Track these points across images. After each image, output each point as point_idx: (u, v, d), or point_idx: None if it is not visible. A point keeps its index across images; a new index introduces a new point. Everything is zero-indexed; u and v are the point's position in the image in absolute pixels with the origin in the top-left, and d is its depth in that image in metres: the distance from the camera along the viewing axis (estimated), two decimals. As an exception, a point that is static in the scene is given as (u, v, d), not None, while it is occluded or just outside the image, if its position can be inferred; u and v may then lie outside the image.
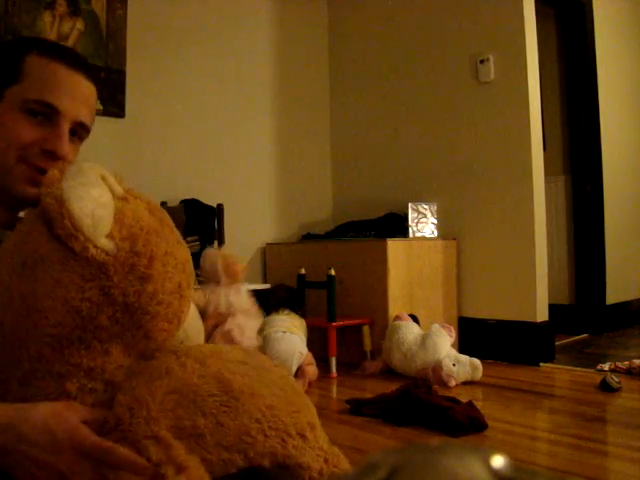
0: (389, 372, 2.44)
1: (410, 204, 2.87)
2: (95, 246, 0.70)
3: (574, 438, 1.59)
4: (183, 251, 0.80)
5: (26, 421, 0.64)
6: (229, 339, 0.95)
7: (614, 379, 2.07)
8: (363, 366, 2.51)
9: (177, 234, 0.82)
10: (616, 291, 3.47)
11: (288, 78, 3.35)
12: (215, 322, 0.97)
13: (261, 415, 0.70)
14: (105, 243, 0.70)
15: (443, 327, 2.40)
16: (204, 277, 1.02)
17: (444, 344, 2.34)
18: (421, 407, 1.74)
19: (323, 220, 3.44)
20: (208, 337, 0.94)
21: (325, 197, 3.51)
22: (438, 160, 3.01)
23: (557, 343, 2.81)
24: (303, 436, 0.73)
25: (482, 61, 2.81)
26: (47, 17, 2.35)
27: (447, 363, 2.22)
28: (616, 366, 2.34)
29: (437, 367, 2.24)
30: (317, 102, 3.51)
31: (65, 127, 0.85)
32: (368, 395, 1.96)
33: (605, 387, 2.06)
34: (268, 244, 3.17)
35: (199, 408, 0.69)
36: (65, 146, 0.85)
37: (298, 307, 2.54)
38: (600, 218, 3.40)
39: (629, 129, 3.82)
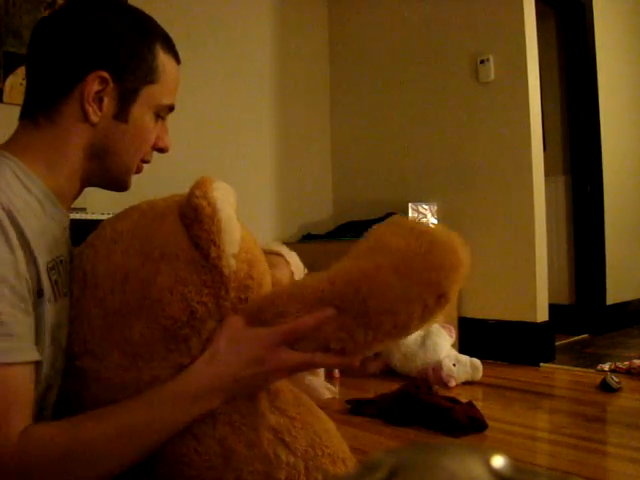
0: (389, 372, 2.44)
1: (410, 204, 2.87)
2: (226, 259, 0.75)
3: (574, 438, 1.59)
4: (270, 282, 0.86)
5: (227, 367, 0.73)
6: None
7: (614, 379, 2.07)
8: (364, 366, 2.51)
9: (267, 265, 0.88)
10: (616, 291, 3.47)
11: (288, 78, 3.35)
12: None
13: (321, 432, 0.78)
14: (232, 261, 0.75)
15: (443, 327, 2.40)
16: None
17: (444, 344, 2.34)
18: (421, 407, 1.74)
19: (323, 220, 3.44)
20: None
21: (325, 197, 3.51)
22: (438, 160, 3.01)
23: (557, 343, 2.81)
24: (345, 462, 0.78)
25: (482, 61, 2.80)
26: (47, 17, 2.35)
27: (447, 363, 2.22)
28: (616, 366, 2.34)
29: (437, 367, 2.23)
30: (317, 102, 3.51)
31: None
32: (369, 395, 1.96)
33: (605, 387, 2.06)
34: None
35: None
36: (169, 140, 0.91)
37: None
38: (600, 218, 3.40)
39: (629, 129, 3.82)
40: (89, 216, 1.95)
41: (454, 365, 2.23)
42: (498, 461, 0.28)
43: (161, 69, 0.83)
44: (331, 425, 0.84)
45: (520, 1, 2.67)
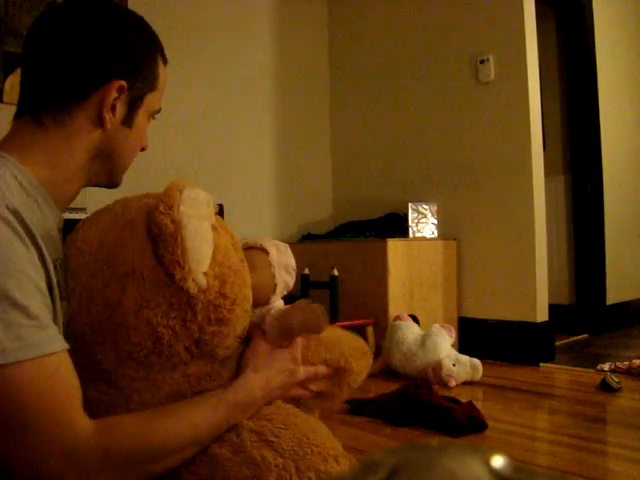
0: (389, 372, 2.44)
1: (410, 204, 2.87)
2: (193, 279, 0.70)
3: (574, 438, 1.59)
4: (250, 294, 0.82)
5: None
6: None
7: (614, 379, 2.07)
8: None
9: (247, 272, 0.83)
10: (616, 291, 3.47)
11: (288, 78, 3.35)
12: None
13: (308, 432, 0.78)
14: (201, 280, 0.71)
15: (443, 327, 2.40)
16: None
17: (444, 344, 2.34)
18: (421, 407, 1.74)
19: (323, 220, 3.44)
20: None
21: (325, 197, 3.51)
22: (438, 160, 3.01)
23: (557, 343, 2.81)
24: (337, 460, 0.78)
25: (482, 61, 2.80)
26: (47, 17, 2.35)
27: (447, 363, 2.22)
28: (616, 366, 2.34)
29: (437, 367, 2.23)
30: (317, 101, 3.51)
31: None
32: (369, 395, 1.96)
33: (605, 387, 2.06)
34: (268, 244, 3.16)
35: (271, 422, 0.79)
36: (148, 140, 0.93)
37: None
38: (600, 218, 3.40)
39: (629, 129, 3.82)
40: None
41: (454, 365, 2.23)
42: (498, 461, 0.28)
43: (161, 76, 0.88)
44: (319, 425, 0.84)
45: (520, 1, 2.67)
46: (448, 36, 2.97)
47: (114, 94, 0.79)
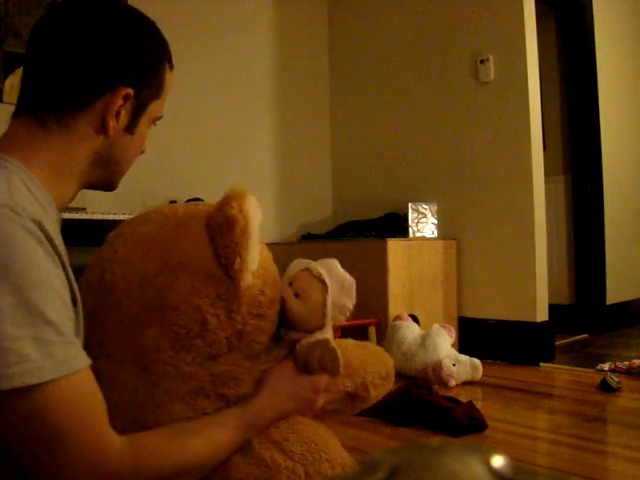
0: (389, 372, 2.44)
1: (410, 204, 2.87)
2: (245, 273, 0.76)
3: (574, 438, 1.59)
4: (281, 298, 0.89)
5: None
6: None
7: (614, 379, 2.07)
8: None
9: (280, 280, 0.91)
10: (616, 291, 3.47)
11: (288, 77, 3.35)
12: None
13: (317, 439, 0.80)
14: (250, 276, 0.78)
15: (443, 327, 2.40)
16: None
17: (444, 344, 2.34)
18: (421, 407, 1.74)
19: (323, 220, 3.44)
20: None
21: (325, 197, 3.51)
22: (438, 160, 3.01)
23: (557, 343, 2.81)
24: (344, 469, 0.79)
25: (482, 61, 2.81)
26: (47, 17, 2.35)
27: (447, 363, 2.22)
28: (616, 366, 2.34)
29: (437, 367, 2.23)
30: (317, 102, 3.51)
31: None
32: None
33: (605, 387, 2.06)
34: (268, 244, 3.14)
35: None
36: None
37: None
38: (600, 218, 3.40)
39: (629, 129, 3.82)
40: (89, 216, 1.95)
41: (454, 365, 2.23)
42: (498, 461, 0.28)
43: (167, 84, 0.85)
44: (328, 434, 0.85)
45: (520, 1, 2.67)
46: (448, 36, 2.97)
47: (120, 101, 0.78)
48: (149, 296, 0.75)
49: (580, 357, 2.73)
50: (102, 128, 0.78)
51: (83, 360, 0.66)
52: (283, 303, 0.87)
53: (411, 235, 2.85)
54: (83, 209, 1.99)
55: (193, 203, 0.86)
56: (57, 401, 0.63)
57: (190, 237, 0.77)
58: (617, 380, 2.07)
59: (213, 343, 0.76)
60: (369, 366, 0.95)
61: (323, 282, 0.92)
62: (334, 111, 3.53)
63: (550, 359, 2.64)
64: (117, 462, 0.66)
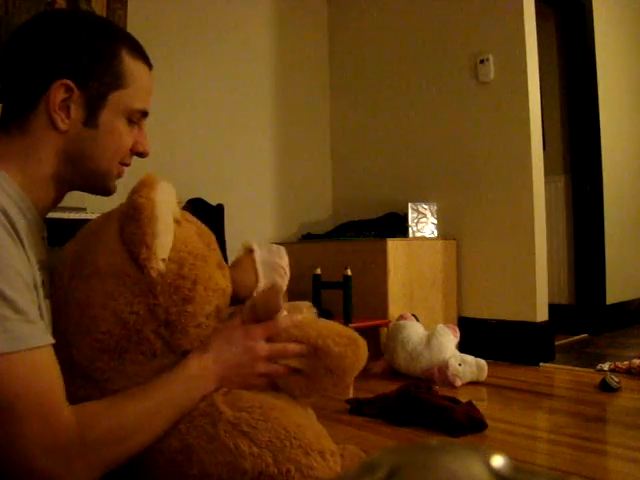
0: (392, 372, 2.44)
1: (410, 204, 2.87)
2: (155, 260, 0.76)
3: (574, 438, 1.59)
4: (224, 276, 0.87)
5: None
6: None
7: (614, 379, 2.07)
8: (368, 366, 2.51)
9: (220, 258, 0.89)
10: (616, 291, 3.47)
11: (288, 78, 3.35)
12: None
13: (289, 426, 0.79)
14: (161, 265, 0.77)
15: (447, 327, 2.40)
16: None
17: (449, 344, 2.34)
18: (421, 407, 1.74)
19: (323, 220, 3.44)
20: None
21: (325, 197, 3.51)
22: (438, 160, 3.01)
23: (557, 343, 2.81)
24: (323, 455, 0.79)
25: (482, 61, 2.81)
26: (47, 17, 2.35)
27: (453, 363, 2.22)
28: (616, 366, 2.34)
29: (443, 367, 2.23)
30: (317, 102, 3.51)
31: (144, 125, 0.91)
32: (369, 395, 1.96)
33: (605, 387, 2.06)
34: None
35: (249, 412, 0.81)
36: (148, 144, 0.91)
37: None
38: (600, 218, 3.40)
39: (629, 129, 3.82)
40: (89, 216, 1.95)
41: (460, 365, 2.23)
42: (498, 461, 0.28)
43: (129, 74, 0.84)
44: (307, 421, 0.84)
45: (520, 1, 2.67)
46: (448, 36, 2.97)
47: (62, 94, 0.79)
48: (73, 312, 0.77)
49: (580, 357, 2.73)
50: (52, 124, 0.80)
51: (41, 339, 0.69)
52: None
53: (411, 235, 2.85)
54: (83, 209, 1.99)
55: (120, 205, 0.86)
56: (10, 375, 0.65)
57: (100, 242, 0.78)
58: (617, 380, 2.07)
59: (140, 341, 0.78)
60: (328, 325, 0.93)
61: (250, 249, 0.99)
62: (334, 111, 3.53)
63: (550, 359, 2.64)
64: (66, 434, 0.69)
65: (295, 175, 3.36)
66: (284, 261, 1.00)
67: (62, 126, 0.80)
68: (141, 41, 0.90)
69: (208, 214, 2.74)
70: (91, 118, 0.82)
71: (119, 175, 0.90)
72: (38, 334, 0.69)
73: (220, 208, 2.77)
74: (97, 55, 0.81)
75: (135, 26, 2.56)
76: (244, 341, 0.86)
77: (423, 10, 3.09)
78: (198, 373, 0.81)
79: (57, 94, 0.79)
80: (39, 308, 0.73)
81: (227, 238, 2.76)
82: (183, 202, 2.69)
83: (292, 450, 0.76)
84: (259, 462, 0.74)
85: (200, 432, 0.78)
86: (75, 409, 0.72)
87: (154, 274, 0.76)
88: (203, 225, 0.90)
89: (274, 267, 0.98)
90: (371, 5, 3.34)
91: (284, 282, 0.99)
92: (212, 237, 0.89)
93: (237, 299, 0.94)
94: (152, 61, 0.91)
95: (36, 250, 0.77)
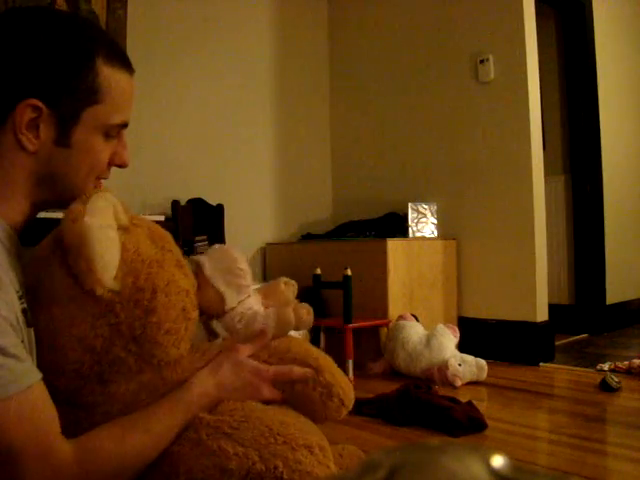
0: (392, 372, 2.44)
1: (410, 204, 2.87)
2: (102, 285, 0.73)
3: (574, 438, 1.59)
4: (185, 275, 0.84)
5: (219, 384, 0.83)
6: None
7: (614, 379, 2.07)
8: (368, 367, 2.51)
9: (178, 256, 0.85)
10: (616, 291, 3.47)
11: (288, 78, 3.35)
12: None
13: (272, 424, 0.78)
14: (112, 284, 0.74)
15: (447, 327, 2.40)
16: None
17: (449, 344, 2.34)
18: (421, 407, 1.74)
19: (323, 220, 3.44)
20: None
21: (325, 197, 3.51)
22: (438, 160, 3.01)
23: (557, 343, 2.81)
24: (310, 450, 0.78)
25: (482, 61, 2.80)
26: (47, 17, 2.34)
27: (453, 363, 2.22)
28: (616, 366, 2.34)
29: (442, 367, 2.23)
30: (317, 102, 3.51)
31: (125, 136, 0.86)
32: (369, 395, 1.96)
33: (605, 387, 2.06)
34: (268, 244, 3.17)
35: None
36: (127, 155, 0.87)
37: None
38: (600, 218, 3.40)
39: (629, 129, 3.82)
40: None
41: (460, 365, 2.23)
42: (498, 461, 0.28)
43: (105, 87, 0.78)
44: (293, 418, 0.83)
45: (520, 1, 2.67)
46: (448, 36, 2.97)
47: (29, 114, 0.74)
48: (42, 345, 0.75)
49: (580, 357, 2.73)
50: (19, 145, 0.75)
51: (33, 375, 0.68)
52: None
53: (411, 235, 2.85)
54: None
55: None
56: (6, 419, 0.64)
57: (50, 268, 0.76)
58: (617, 380, 2.07)
59: (113, 361, 0.76)
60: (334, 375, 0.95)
61: (197, 263, 0.95)
62: (334, 111, 3.53)
63: (550, 359, 2.64)
64: (68, 471, 0.68)
65: (295, 175, 3.36)
66: (239, 260, 0.97)
67: (30, 147, 0.75)
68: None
69: (208, 214, 2.74)
70: (63, 137, 0.76)
71: (96, 187, 0.85)
72: (28, 373, 0.68)
73: (220, 208, 2.77)
74: (68, 69, 0.75)
75: (135, 26, 2.56)
76: (251, 378, 0.85)
77: (423, 10, 3.09)
78: (199, 400, 0.81)
79: (23, 114, 0.73)
80: (22, 341, 0.70)
81: (227, 238, 2.77)
82: (183, 202, 2.69)
83: (277, 446, 0.75)
84: (245, 461, 0.74)
85: (183, 440, 0.77)
86: (74, 444, 0.70)
87: (107, 296, 0.74)
88: (155, 225, 0.85)
89: (230, 271, 0.95)
90: (371, 5, 3.34)
91: (246, 281, 0.96)
92: (166, 236, 0.85)
93: (215, 314, 0.93)
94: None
95: (16, 276, 0.74)
